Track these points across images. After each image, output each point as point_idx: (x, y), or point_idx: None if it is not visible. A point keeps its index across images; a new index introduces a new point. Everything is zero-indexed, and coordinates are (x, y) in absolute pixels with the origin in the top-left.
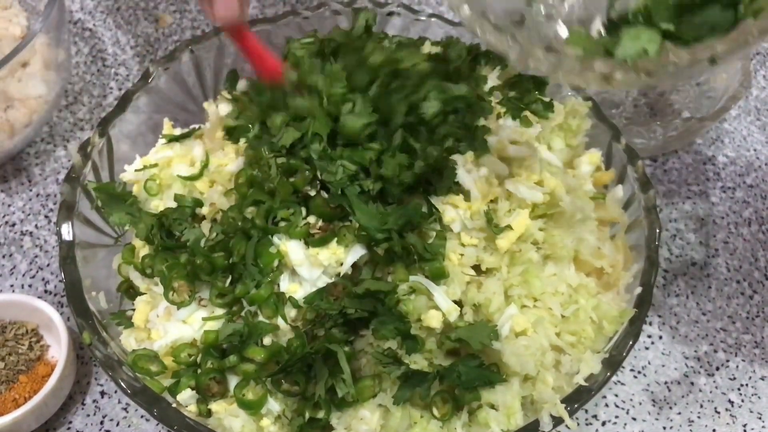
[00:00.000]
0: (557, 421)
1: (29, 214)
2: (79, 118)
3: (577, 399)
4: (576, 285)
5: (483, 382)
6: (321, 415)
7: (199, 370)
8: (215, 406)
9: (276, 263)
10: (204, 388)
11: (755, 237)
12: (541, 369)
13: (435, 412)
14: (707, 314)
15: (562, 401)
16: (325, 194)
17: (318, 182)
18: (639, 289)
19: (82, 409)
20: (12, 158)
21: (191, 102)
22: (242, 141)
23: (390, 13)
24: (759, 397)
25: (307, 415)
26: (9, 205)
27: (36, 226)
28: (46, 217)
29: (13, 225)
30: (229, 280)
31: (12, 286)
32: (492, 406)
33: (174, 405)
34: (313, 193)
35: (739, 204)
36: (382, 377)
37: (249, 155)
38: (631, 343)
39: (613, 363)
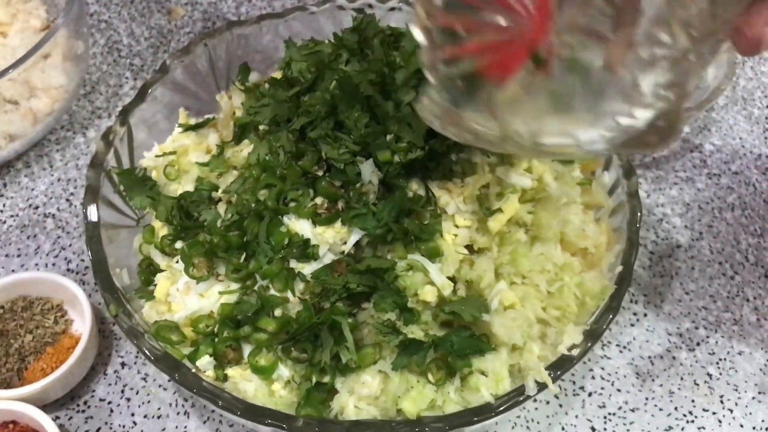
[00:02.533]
0: (541, 386)
1: (51, 198)
2: (97, 106)
3: (560, 366)
4: (561, 264)
5: (474, 351)
6: (326, 379)
7: (216, 339)
8: (231, 371)
9: (286, 241)
10: (221, 355)
11: (738, 221)
12: (527, 340)
13: (430, 377)
14: (690, 293)
15: (547, 369)
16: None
17: (324, 163)
18: (620, 268)
19: (104, 378)
20: (35, 145)
21: (204, 92)
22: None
23: (392, 9)
24: (736, 371)
25: (314, 380)
26: (32, 189)
27: (58, 208)
28: (68, 200)
29: (37, 208)
30: (243, 257)
31: (37, 264)
32: (482, 373)
33: (193, 371)
34: (320, 173)
35: (723, 190)
36: (382, 346)
37: (261, 143)
38: (611, 316)
39: (593, 334)
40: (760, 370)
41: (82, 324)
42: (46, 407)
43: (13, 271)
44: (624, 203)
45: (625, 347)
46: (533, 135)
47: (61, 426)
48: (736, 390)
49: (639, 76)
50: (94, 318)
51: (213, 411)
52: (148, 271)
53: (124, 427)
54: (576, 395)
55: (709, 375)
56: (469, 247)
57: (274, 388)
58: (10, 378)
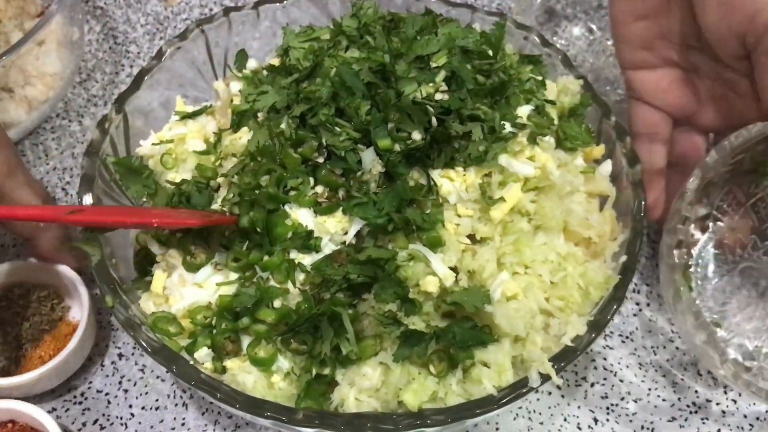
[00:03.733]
0: (545, 378)
1: (47, 187)
2: (93, 94)
3: (563, 358)
4: (565, 253)
5: (476, 342)
6: (327, 371)
7: (214, 331)
8: (229, 363)
9: (289, 234)
10: (219, 347)
11: None
12: (530, 331)
13: (432, 369)
14: None
15: (550, 360)
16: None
17: (324, 150)
18: (624, 258)
19: (102, 370)
20: (30, 133)
21: (201, 79)
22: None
23: None
24: None
25: (314, 372)
26: None
27: (54, 197)
28: (63, 189)
29: None
30: (245, 245)
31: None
32: (484, 364)
33: (191, 363)
34: (321, 160)
35: None
36: (382, 337)
37: (260, 130)
38: (615, 307)
39: (597, 325)
40: None
41: (79, 311)
42: (42, 398)
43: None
44: (628, 192)
45: (627, 337)
46: None
47: (57, 417)
48: None
49: None
50: (91, 303)
51: (212, 402)
52: (145, 261)
53: (121, 418)
54: (578, 386)
55: None
56: (471, 236)
57: (273, 380)
58: (8, 366)
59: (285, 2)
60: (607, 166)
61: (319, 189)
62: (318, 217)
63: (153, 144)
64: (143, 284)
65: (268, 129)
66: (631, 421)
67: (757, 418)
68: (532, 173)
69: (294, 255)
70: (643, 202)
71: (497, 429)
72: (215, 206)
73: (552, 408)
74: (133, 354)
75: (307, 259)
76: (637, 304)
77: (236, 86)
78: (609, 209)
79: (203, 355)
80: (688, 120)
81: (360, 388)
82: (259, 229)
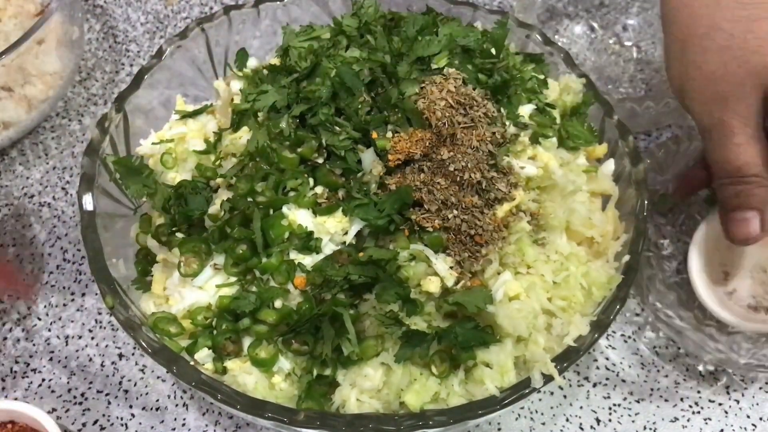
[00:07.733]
0: (547, 378)
1: (46, 186)
2: (93, 93)
3: (566, 358)
4: (567, 253)
5: (478, 343)
6: (328, 372)
7: (215, 332)
8: (230, 364)
9: (287, 235)
10: (220, 347)
11: None
12: (533, 331)
13: (434, 370)
14: None
15: (552, 360)
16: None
17: (324, 150)
18: (627, 258)
19: (102, 369)
20: (29, 132)
21: (201, 78)
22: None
23: None
24: None
25: (315, 373)
26: (27, 178)
27: (53, 197)
28: (63, 189)
29: (32, 196)
30: (245, 248)
31: (32, 254)
32: (487, 365)
33: (191, 363)
34: (320, 161)
35: None
36: (384, 337)
37: (260, 130)
38: (618, 307)
39: (600, 326)
40: None
41: None
42: (42, 399)
43: (8, 261)
44: (631, 191)
45: (630, 337)
46: None
47: (57, 418)
48: (743, 380)
49: None
50: None
51: (212, 403)
52: (146, 261)
53: (121, 419)
54: (580, 386)
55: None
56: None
57: (274, 381)
58: None
59: (285, 1)
60: (609, 165)
61: (319, 189)
62: (318, 218)
63: (153, 143)
64: (143, 284)
65: (267, 128)
66: (633, 421)
67: (761, 418)
68: (534, 173)
69: (294, 256)
70: (645, 202)
71: (499, 429)
72: (213, 208)
73: (554, 408)
74: (133, 354)
75: (308, 260)
76: (640, 303)
77: (236, 85)
78: (612, 208)
79: (204, 355)
80: None
81: (361, 389)
82: (253, 237)
